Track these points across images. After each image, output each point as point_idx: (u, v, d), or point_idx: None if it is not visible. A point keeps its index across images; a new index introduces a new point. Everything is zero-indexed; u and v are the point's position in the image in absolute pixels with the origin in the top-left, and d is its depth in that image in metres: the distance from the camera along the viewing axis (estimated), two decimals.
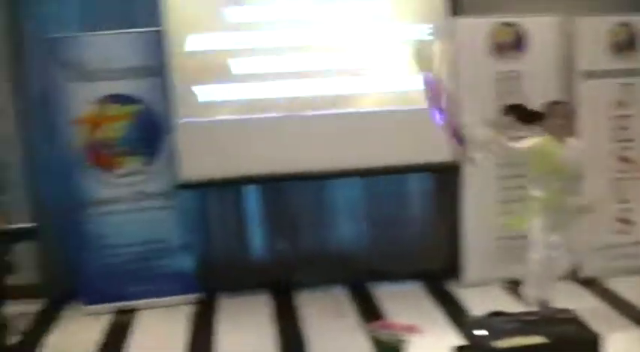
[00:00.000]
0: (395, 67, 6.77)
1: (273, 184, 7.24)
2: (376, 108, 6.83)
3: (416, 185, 7.38)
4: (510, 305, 6.21)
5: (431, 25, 6.77)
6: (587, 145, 5.97)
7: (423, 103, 6.54)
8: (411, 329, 5.96)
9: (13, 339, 6.36)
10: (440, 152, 6.63)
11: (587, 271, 7.05)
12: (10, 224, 6.39)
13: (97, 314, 6.93)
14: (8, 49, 7.08)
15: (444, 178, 7.23)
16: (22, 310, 7.02)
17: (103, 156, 6.91)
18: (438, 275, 7.33)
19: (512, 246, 6.75)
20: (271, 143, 6.79)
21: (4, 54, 7.09)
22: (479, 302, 6.43)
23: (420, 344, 5.72)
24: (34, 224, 6.73)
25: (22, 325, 6.79)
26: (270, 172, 6.84)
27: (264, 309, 6.85)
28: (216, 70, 6.72)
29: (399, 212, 7.37)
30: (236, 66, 6.73)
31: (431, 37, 6.71)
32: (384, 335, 5.91)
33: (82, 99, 6.79)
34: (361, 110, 6.82)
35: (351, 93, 6.82)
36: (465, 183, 6.93)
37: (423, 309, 6.65)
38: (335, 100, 6.80)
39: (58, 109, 6.86)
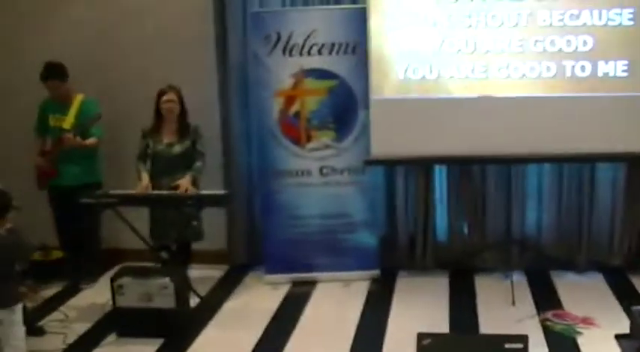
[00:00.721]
0: (596, 52, 6.80)
1: (461, 166, 7.51)
2: (571, 94, 6.86)
3: (606, 174, 7.38)
4: None
5: (632, 10, 6.73)
6: None
7: (620, 90, 6.68)
8: (587, 321, 6.20)
9: (195, 301, 6.99)
10: (635, 142, 6.80)
11: None
12: (201, 190, 7.01)
13: (277, 283, 7.45)
14: (213, 21, 7.61)
15: (637, 169, 7.31)
16: (205, 274, 7.70)
17: (295, 129, 7.38)
18: (622, 268, 7.40)
19: None
20: (463, 124, 6.96)
21: (209, 26, 7.62)
22: None
23: (594, 337, 5.97)
24: (226, 191, 7.35)
25: (205, 288, 7.41)
26: (459, 154, 7.05)
27: (441, 291, 7.14)
28: (414, 48, 6.96)
29: (587, 201, 7.38)
30: (434, 45, 6.94)
31: (631, 23, 6.75)
32: (559, 325, 6.19)
33: (281, 72, 7.26)
34: (555, 95, 6.86)
35: (546, 76, 6.86)
36: None
37: (602, 302, 6.71)
38: (529, 83, 6.88)
39: (257, 81, 7.37)
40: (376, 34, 6.99)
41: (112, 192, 6.94)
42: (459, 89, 6.99)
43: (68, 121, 7.41)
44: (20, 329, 5.11)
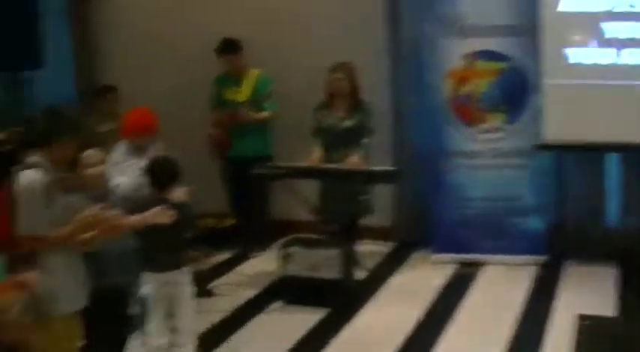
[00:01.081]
0: None
1: (636, 154, 7.41)
2: None
3: None
4: None
5: None
6: None
7: None
8: None
9: (361, 275, 7.24)
10: None
11: None
12: (372, 166, 7.17)
13: (443, 262, 7.59)
14: (385, 2, 7.87)
15: None
16: (372, 249, 7.94)
17: (466, 111, 7.49)
18: None
19: None
20: (638, 112, 6.93)
21: (380, 7, 7.89)
22: None
23: None
24: (396, 167, 7.49)
25: (371, 263, 7.64)
26: (634, 141, 6.99)
27: (609, 281, 7.05)
28: (588, 32, 6.98)
29: None
30: (609, 29, 6.93)
31: None
32: None
33: (453, 53, 7.40)
34: None
35: None
36: None
37: None
38: None
39: (429, 62, 7.55)
40: (548, 17, 7.03)
41: (282, 164, 7.22)
42: (635, 75, 6.93)
43: (244, 94, 7.78)
44: (189, 290, 5.40)
